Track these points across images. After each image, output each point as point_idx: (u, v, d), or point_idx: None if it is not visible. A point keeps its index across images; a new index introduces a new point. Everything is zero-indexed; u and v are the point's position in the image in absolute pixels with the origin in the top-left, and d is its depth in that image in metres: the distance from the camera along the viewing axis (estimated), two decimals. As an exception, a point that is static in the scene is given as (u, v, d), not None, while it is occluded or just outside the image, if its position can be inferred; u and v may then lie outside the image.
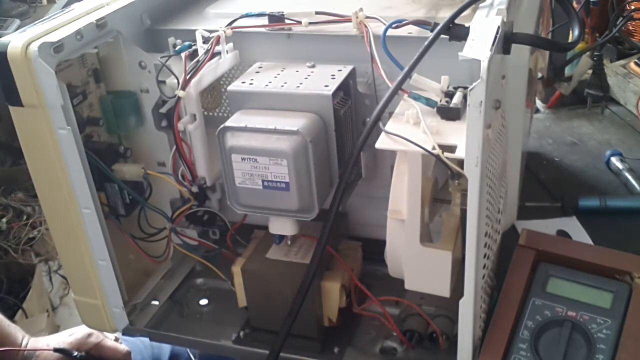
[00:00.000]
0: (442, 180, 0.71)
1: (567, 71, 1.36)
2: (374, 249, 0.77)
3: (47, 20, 0.70)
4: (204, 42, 0.74)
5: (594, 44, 1.34)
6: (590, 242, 0.95)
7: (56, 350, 0.98)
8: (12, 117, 0.69)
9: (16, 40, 0.65)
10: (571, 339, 0.68)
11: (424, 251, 0.67)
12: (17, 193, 2.27)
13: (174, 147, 0.77)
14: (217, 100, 0.83)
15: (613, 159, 1.16)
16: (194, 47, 0.75)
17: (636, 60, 1.39)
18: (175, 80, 0.73)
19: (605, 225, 0.99)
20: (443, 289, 0.69)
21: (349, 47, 0.74)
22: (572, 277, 0.73)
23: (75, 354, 0.97)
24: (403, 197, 0.66)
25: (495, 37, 0.58)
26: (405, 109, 0.65)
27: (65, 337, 1.01)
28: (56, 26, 0.69)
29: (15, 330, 1.03)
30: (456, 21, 0.64)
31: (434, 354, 0.76)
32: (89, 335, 1.00)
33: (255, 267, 0.79)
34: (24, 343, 1.01)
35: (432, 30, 0.65)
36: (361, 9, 0.72)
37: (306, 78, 0.73)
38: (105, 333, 1.01)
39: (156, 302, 0.87)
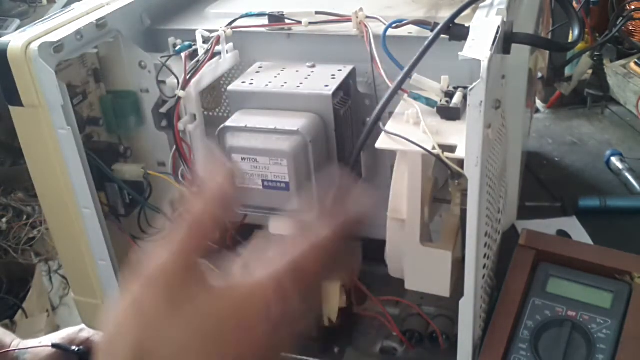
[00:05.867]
0: (442, 180, 0.71)
1: (567, 71, 1.36)
2: (374, 249, 0.76)
3: (47, 20, 0.70)
4: (204, 42, 0.74)
5: (594, 44, 1.34)
6: (590, 242, 0.95)
7: (54, 346, 0.97)
8: (12, 117, 0.69)
9: (16, 40, 0.65)
10: (571, 339, 0.68)
11: (424, 251, 0.67)
12: (17, 193, 2.26)
13: (174, 147, 0.77)
14: (217, 100, 0.83)
15: (613, 159, 1.15)
16: (194, 47, 0.75)
17: (636, 60, 1.39)
18: (175, 80, 0.73)
19: (605, 225, 0.99)
20: (443, 289, 0.69)
21: (349, 47, 0.74)
22: (572, 277, 0.73)
23: (73, 348, 0.97)
24: (403, 197, 0.66)
25: (495, 37, 0.58)
26: (405, 109, 0.65)
27: (57, 334, 1.00)
28: (56, 26, 0.68)
29: (4, 335, 1.03)
30: (456, 21, 0.64)
31: (434, 354, 0.76)
32: (80, 330, 0.99)
33: (255, 267, 0.79)
34: (13, 344, 1.01)
35: (432, 30, 0.65)
36: (361, 9, 0.72)
37: (306, 78, 0.72)
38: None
39: (156, 302, 0.87)
